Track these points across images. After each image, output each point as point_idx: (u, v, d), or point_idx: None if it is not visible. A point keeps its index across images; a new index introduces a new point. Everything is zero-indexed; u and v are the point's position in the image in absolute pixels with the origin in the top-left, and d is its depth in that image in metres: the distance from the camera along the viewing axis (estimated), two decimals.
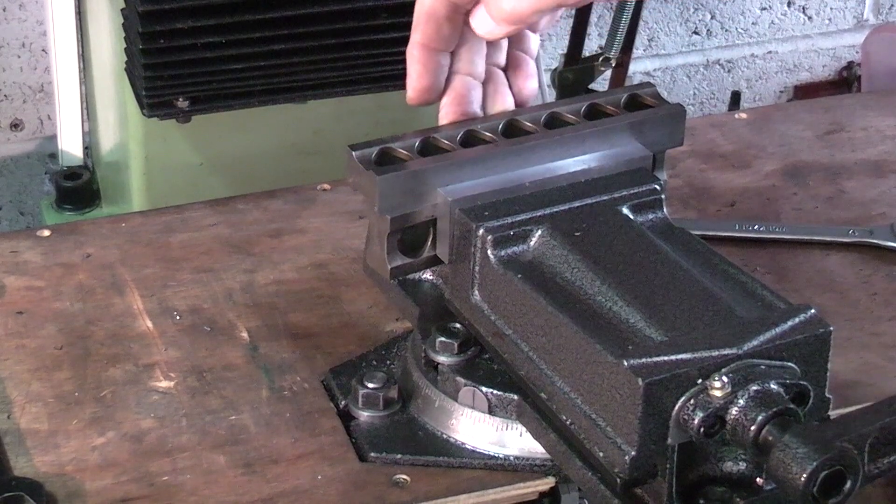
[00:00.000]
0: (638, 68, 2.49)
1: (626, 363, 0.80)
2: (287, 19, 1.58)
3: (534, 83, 1.01)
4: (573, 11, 2.14)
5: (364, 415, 0.96)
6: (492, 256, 0.91)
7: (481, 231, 0.91)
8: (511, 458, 0.94)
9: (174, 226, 1.18)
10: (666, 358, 0.80)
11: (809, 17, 2.60)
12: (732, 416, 0.79)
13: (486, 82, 1.00)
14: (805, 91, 2.64)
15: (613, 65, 2.05)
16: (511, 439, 0.94)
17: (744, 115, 1.36)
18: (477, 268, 0.92)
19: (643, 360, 0.80)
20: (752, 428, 0.78)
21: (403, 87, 1.32)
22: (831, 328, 0.84)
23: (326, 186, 1.24)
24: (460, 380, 0.94)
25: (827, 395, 0.85)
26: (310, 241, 1.17)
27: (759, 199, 1.23)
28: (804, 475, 0.75)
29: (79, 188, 1.98)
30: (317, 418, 0.98)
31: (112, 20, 1.71)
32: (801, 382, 0.81)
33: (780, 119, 1.36)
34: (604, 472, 0.84)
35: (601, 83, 2.10)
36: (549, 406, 0.88)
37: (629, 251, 0.91)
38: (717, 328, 0.83)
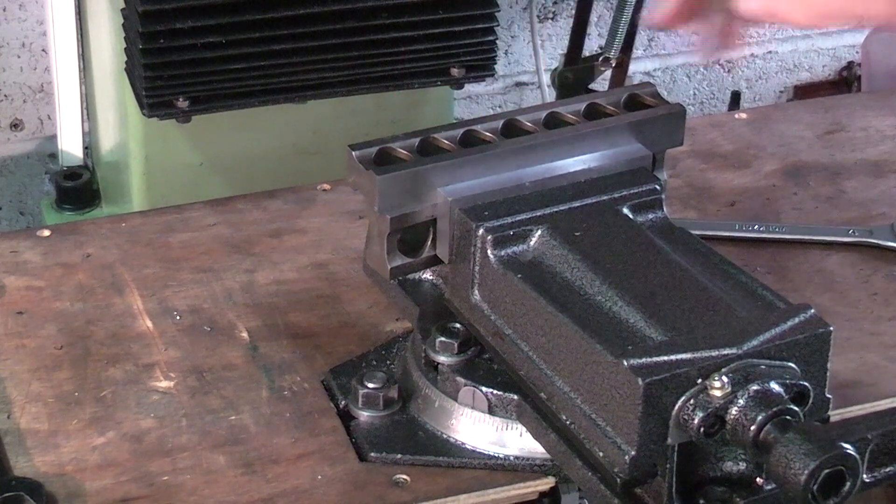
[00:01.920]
0: (638, 68, 2.49)
1: (626, 363, 0.80)
2: (287, 19, 1.58)
3: None
4: (573, 11, 2.14)
5: (364, 415, 0.96)
6: (492, 256, 0.91)
7: (481, 231, 0.91)
8: (511, 458, 0.94)
9: (174, 226, 1.18)
10: (666, 358, 0.80)
11: None
12: (732, 416, 0.79)
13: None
14: (805, 91, 2.64)
15: (613, 65, 2.05)
16: (511, 439, 0.94)
17: (744, 115, 1.36)
18: (477, 268, 0.92)
19: (643, 359, 0.80)
20: (752, 428, 0.78)
21: (403, 87, 1.33)
22: (831, 328, 0.84)
23: (326, 186, 1.24)
24: (460, 380, 0.94)
25: (827, 395, 0.85)
26: (310, 241, 1.17)
27: (759, 199, 1.23)
28: (806, 472, 0.75)
29: (79, 188, 1.98)
30: (317, 418, 0.98)
31: (112, 20, 1.71)
32: (801, 382, 0.81)
33: (780, 119, 1.36)
34: (604, 472, 0.84)
35: (601, 83, 2.10)
36: (549, 406, 0.88)
37: (629, 251, 0.91)
38: (717, 328, 0.83)
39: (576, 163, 0.97)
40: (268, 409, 0.99)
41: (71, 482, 0.92)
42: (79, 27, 1.92)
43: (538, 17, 2.40)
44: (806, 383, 0.81)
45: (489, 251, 0.91)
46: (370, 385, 0.96)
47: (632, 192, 0.95)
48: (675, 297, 0.87)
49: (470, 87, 2.33)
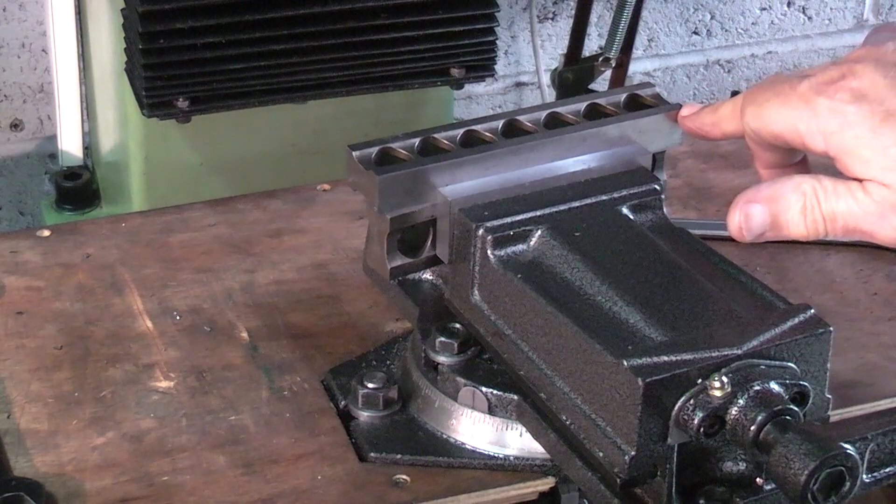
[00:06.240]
0: (638, 68, 2.49)
1: (626, 363, 0.80)
2: (287, 19, 1.58)
3: None
4: (573, 11, 2.14)
5: (364, 415, 0.96)
6: (492, 256, 0.91)
7: (481, 231, 0.91)
8: (511, 458, 0.94)
9: (174, 226, 1.18)
10: (666, 358, 0.80)
11: (809, 18, 2.60)
12: (732, 416, 0.79)
13: None
14: None
15: (613, 65, 2.05)
16: (511, 439, 0.94)
17: None
18: (477, 268, 0.92)
19: (643, 360, 0.80)
20: (752, 428, 0.78)
21: (403, 87, 1.32)
22: (831, 328, 0.84)
23: (326, 186, 1.24)
24: (460, 380, 0.94)
25: (827, 395, 0.85)
26: (310, 241, 1.17)
27: None
28: (806, 472, 0.75)
29: (79, 188, 1.98)
30: (317, 418, 0.98)
31: (112, 20, 1.71)
32: (801, 382, 0.81)
33: None
34: (603, 471, 0.84)
35: (601, 83, 2.10)
36: (549, 406, 0.88)
37: (629, 251, 0.91)
38: (717, 328, 0.83)
39: (576, 163, 0.98)
40: (268, 409, 0.99)
41: (71, 482, 0.92)
42: (79, 27, 1.92)
43: (538, 17, 2.40)
44: (806, 383, 0.81)
45: (489, 251, 0.91)
46: (370, 385, 0.96)
47: (631, 192, 0.96)
48: (675, 297, 0.87)
49: (470, 87, 2.33)
